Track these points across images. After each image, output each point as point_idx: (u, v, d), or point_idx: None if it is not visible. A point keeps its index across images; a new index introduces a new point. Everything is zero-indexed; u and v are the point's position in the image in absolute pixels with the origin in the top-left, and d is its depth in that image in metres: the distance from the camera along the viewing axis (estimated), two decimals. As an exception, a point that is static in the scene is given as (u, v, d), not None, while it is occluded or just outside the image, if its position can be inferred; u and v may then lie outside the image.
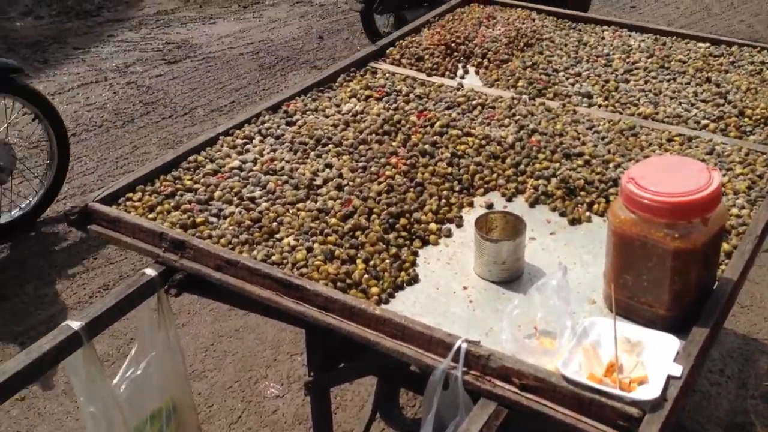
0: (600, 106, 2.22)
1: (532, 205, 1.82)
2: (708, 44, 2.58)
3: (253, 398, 2.67)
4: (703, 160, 1.86)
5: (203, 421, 2.54)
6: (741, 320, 2.96)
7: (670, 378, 1.27)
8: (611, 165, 1.91)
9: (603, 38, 2.65)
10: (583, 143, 2.01)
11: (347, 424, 2.54)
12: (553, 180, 1.86)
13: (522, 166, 1.92)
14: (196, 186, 1.84)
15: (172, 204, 1.77)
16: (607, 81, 2.34)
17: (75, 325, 1.47)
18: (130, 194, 1.80)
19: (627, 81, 2.35)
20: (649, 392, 1.24)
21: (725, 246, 1.60)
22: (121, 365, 1.67)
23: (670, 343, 1.35)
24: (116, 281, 3.17)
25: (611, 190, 1.82)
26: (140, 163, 4.00)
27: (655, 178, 1.38)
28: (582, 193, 1.83)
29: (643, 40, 2.62)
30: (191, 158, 1.94)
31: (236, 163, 1.92)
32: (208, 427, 2.54)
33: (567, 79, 2.38)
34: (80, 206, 1.72)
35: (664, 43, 2.59)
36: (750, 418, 2.56)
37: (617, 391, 1.24)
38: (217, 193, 1.80)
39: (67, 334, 1.46)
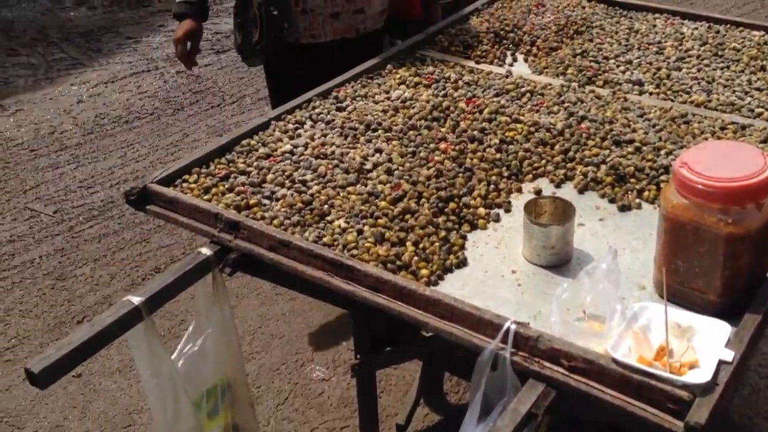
0: (651, 93, 2.20)
1: (581, 191, 1.81)
2: (763, 32, 2.53)
3: (300, 380, 2.72)
4: (757, 148, 1.83)
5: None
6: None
7: (721, 363, 1.26)
8: (662, 152, 1.89)
9: (655, 26, 2.62)
10: (634, 130, 1.99)
11: (391, 408, 2.57)
12: (603, 167, 1.85)
13: (571, 153, 1.92)
14: (249, 169, 1.88)
15: (226, 186, 1.81)
16: (658, 69, 2.32)
17: (135, 300, 1.52)
18: (186, 176, 1.85)
19: (679, 69, 2.32)
20: (700, 376, 1.23)
21: (779, 234, 1.58)
22: (174, 345, 1.72)
23: (721, 328, 1.34)
24: (167, 264, 3.25)
25: (662, 177, 1.80)
26: (190, 149, 4.09)
27: (709, 163, 1.37)
28: (632, 180, 1.82)
29: (696, 28, 2.58)
30: (244, 142, 1.98)
31: (288, 147, 1.96)
32: (256, 407, 2.60)
33: (617, 66, 2.36)
34: (140, 187, 1.78)
35: (718, 31, 2.55)
36: (800, 413, 2.52)
37: (667, 374, 1.24)
38: (269, 176, 1.84)
39: (128, 309, 1.51)
